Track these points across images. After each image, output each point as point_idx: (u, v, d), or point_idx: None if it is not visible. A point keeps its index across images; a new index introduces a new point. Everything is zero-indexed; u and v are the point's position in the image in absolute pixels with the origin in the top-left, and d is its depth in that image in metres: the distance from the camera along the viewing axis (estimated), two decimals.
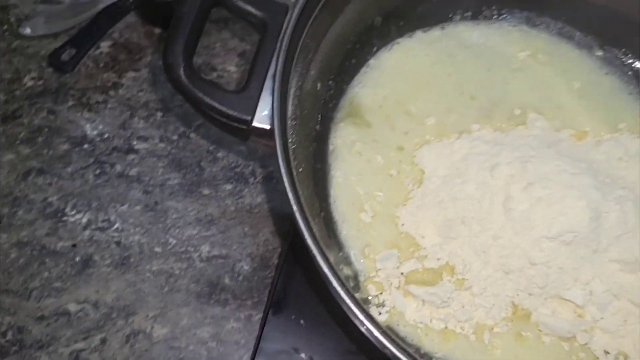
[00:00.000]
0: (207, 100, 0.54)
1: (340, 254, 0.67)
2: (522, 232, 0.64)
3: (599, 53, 0.80)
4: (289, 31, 0.56)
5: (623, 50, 0.78)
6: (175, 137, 0.91)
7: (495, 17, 0.79)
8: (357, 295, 0.65)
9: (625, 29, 0.76)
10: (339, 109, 0.72)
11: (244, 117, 0.55)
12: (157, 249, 0.85)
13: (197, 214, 0.87)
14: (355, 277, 0.67)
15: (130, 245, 0.84)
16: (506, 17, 0.80)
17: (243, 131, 0.57)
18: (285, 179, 0.50)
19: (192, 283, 0.82)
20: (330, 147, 0.70)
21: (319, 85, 0.70)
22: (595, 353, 0.66)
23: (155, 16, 0.92)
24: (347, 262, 0.67)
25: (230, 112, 0.55)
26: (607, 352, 0.65)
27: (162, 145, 0.91)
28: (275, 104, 0.53)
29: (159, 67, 0.97)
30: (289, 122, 0.58)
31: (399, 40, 0.76)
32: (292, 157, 0.58)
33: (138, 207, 0.86)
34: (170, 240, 0.85)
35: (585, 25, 0.79)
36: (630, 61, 0.79)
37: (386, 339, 0.48)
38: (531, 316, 0.65)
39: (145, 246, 0.85)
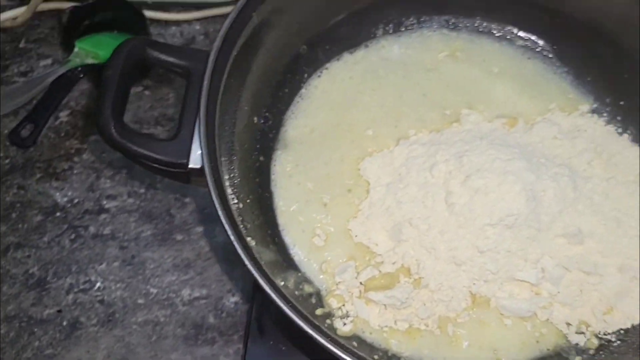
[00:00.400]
0: (142, 151, 0.58)
1: (300, 274, 0.69)
2: (466, 223, 0.66)
3: (520, 42, 0.84)
4: (207, 75, 0.60)
5: (541, 36, 0.81)
6: (142, 191, 0.95)
7: (415, 26, 0.83)
8: (320, 310, 0.67)
9: (540, 16, 0.80)
10: (277, 139, 0.76)
11: (179, 161, 0.59)
12: (140, 301, 0.87)
13: (174, 260, 0.90)
14: (318, 293, 0.69)
15: (113, 302, 0.87)
16: (426, 24, 0.84)
17: (183, 174, 0.60)
18: (220, 214, 0.53)
19: (178, 327, 0.84)
20: (272, 177, 0.73)
21: (255, 119, 0.74)
22: (558, 327, 0.68)
23: None
24: (307, 280, 0.69)
25: (166, 158, 0.58)
26: (569, 324, 0.67)
27: (130, 200, 0.94)
28: (202, 144, 0.57)
29: None
30: (223, 158, 0.61)
31: (328, 65, 0.80)
32: (229, 192, 0.61)
33: (116, 264, 0.89)
34: (152, 290, 0.88)
35: (500, 18, 0.82)
36: (549, 45, 0.82)
37: (338, 349, 0.51)
38: (490, 302, 0.68)
39: (128, 300, 0.87)
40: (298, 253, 0.71)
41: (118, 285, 0.88)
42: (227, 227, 0.53)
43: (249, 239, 0.64)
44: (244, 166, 0.71)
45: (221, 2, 1.00)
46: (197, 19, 1.05)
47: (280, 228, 0.71)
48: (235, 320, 0.84)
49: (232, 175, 0.66)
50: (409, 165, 0.72)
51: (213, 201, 0.55)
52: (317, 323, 0.57)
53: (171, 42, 1.05)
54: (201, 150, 0.56)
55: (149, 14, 1.04)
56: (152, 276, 0.89)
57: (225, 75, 0.62)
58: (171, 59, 0.62)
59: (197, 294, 0.87)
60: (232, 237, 0.53)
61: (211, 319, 0.85)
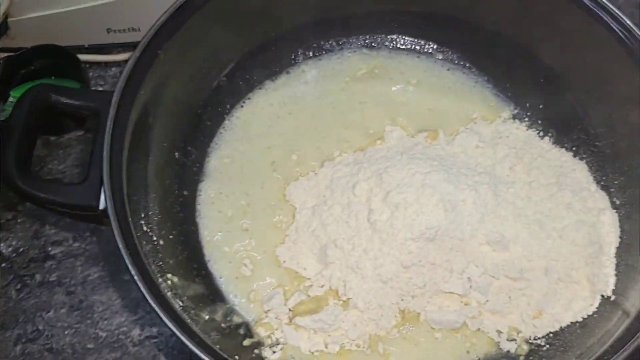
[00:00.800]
0: (50, 197, 0.58)
1: (227, 305, 0.69)
2: (388, 240, 0.66)
3: (439, 56, 0.85)
4: (111, 115, 0.60)
5: (459, 48, 0.82)
6: (87, 234, 0.94)
7: (336, 48, 0.84)
8: (248, 340, 0.67)
9: (455, 30, 0.81)
10: (201, 171, 0.76)
11: (88, 204, 0.59)
12: (90, 345, 0.86)
13: (122, 300, 0.89)
14: (246, 323, 0.69)
15: (62, 349, 0.86)
16: (346, 45, 0.85)
17: (97, 217, 0.60)
18: (125, 256, 0.53)
19: None
20: (197, 208, 0.74)
21: (176, 153, 0.74)
22: (489, 335, 0.67)
23: (47, 127, 0.96)
24: (235, 311, 0.69)
25: (74, 202, 0.58)
26: (499, 332, 0.67)
27: (76, 244, 0.93)
28: (105, 185, 0.57)
29: (59, 171, 1.01)
30: (135, 197, 0.61)
31: (250, 94, 0.81)
32: (145, 230, 0.61)
33: (64, 310, 0.88)
34: (101, 333, 0.87)
35: (418, 34, 0.83)
36: (467, 56, 0.83)
37: None
38: (420, 316, 0.67)
39: (77, 346, 0.86)
40: (225, 284, 0.70)
41: (66, 331, 0.87)
42: (132, 269, 0.53)
43: (169, 275, 0.64)
44: (166, 202, 0.71)
45: None
46: None
47: (207, 259, 0.71)
48: (186, 356, 0.83)
49: (149, 212, 0.66)
50: (333, 186, 0.72)
51: (117, 243, 0.55)
52: (239, 359, 0.57)
53: (112, 82, 1.06)
54: (104, 192, 0.56)
55: (87, 57, 1.05)
56: (101, 319, 0.88)
57: (133, 114, 0.63)
58: (77, 102, 0.63)
59: (147, 333, 0.86)
60: (136, 278, 0.53)
61: (162, 358, 0.84)
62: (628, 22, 0.66)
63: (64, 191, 0.59)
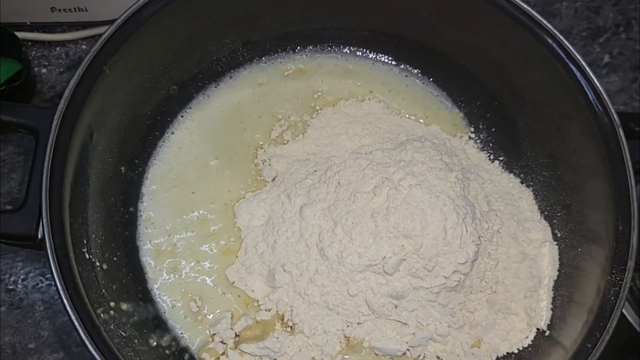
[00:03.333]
0: None
1: (172, 330, 0.69)
2: (336, 268, 0.67)
3: (396, 69, 0.84)
4: (51, 139, 0.57)
5: (420, 66, 0.82)
6: None
7: (287, 51, 0.82)
8: None
9: (415, 49, 0.80)
10: (149, 185, 0.73)
11: (25, 234, 0.56)
12: (31, 345, 0.85)
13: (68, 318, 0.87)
14: (191, 348, 0.69)
15: (1, 349, 0.84)
16: (298, 53, 0.83)
17: (36, 245, 0.58)
18: (63, 298, 0.52)
19: None
20: (138, 227, 0.72)
21: (122, 168, 0.72)
22: None
23: None
24: (180, 336, 0.69)
25: (10, 232, 0.56)
26: (439, 358, 0.69)
27: None
28: (44, 218, 0.54)
29: None
30: (81, 220, 0.59)
31: (197, 102, 0.78)
32: (87, 257, 0.59)
33: (3, 308, 0.86)
34: (42, 333, 0.85)
35: (378, 49, 0.82)
36: (427, 73, 0.83)
37: None
38: (363, 343, 0.69)
39: (17, 345, 0.85)
40: (170, 306, 0.69)
41: (6, 330, 0.85)
42: (71, 314, 0.51)
43: (112, 303, 0.63)
44: (111, 222, 0.69)
45: (108, 20, 0.95)
46: (84, 38, 1.00)
47: (150, 283, 0.69)
48: None
49: (93, 236, 0.64)
50: (283, 207, 0.71)
51: (54, 281, 0.53)
52: None
53: (56, 64, 1.00)
54: (42, 226, 0.54)
55: (29, 35, 0.98)
56: (43, 319, 0.86)
57: (76, 135, 0.60)
58: (15, 120, 0.59)
59: None
60: (72, 317, 0.51)
61: None
62: (580, 59, 0.67)
63: None
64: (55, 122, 0.57)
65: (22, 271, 0.88)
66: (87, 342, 0.52)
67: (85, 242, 0.61)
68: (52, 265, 0.53)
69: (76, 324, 0.52)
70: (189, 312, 0.70)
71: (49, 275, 0.86)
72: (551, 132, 0.73)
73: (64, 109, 0.58)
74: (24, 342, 0.84)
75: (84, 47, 1.01)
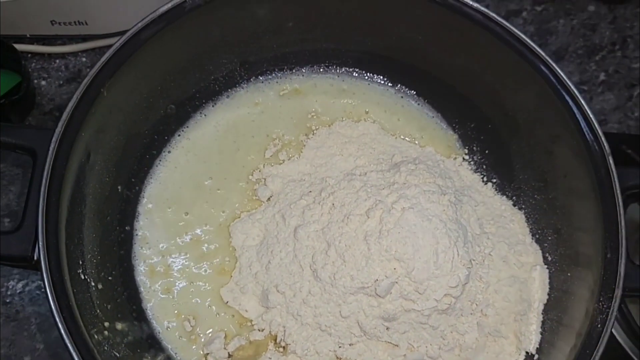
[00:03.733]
0: None
1: (165, 350, 0.70)
2: (329, 290, 0.68)
3: (392, 90, 0.85)
4: (49, 161, 0.58)
5: (412, 87, 0.83)
6: None
7: (287, 72, 0.83)
8: None
9: (409, 71, 0.81)
10: (145, 204, 0.74)
11: (22, 255, 0.57)
12: (26, 358, 0.85)
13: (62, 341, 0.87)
14: None
15: None
16: (295, 73, 0.84)
17: (32, 265, 0.59)
18: (58, 323, 0.53)
19: None
20: (134, 246, 0.73)
21: (119, 187, 0.72)
22: None
23: None
24: (174, 357, 0.69)
25: (6, 253, 0.56)
26: None
27: None
28: (40, 241, 0.55)
29: None
30: (76, 241, 0.60)
31: (194, 121, 0.79)
32: (83, 278, 0.60)
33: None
34: (38, 345, 0.86)
35: (372, 69, 0.83)
36: (421, 95, 0.84)
37: None
38: None
39: (13, 358, 0.85)
40: (164, 326, 0.70)
41: (2, 343, 0.86)
42: (62, 332, 0.52)
43: (106, 323, 0.63)
44: (107, 241, 0.69)
45: (109, 33, 0.96)
46: (84, 51, 1.01)
47: (144, 303, 0.70)
48: None
49: (89, 256, 0.65)
50: (278, 227, 0.72)
51: (49, 304, 0.54)
52: None
53: (56, 76, 1.01)
54: (38, 244, 0.55)
55: (28, 47, 0.99)
56: (39, 331, 0.87)
57: (74, 157, 0.60)
58: (12, 141, 0.60)
59: None
60: (66, 341, 0.52)
61: None
62: (571, 85, 0.68)
63: None
64: (52, 145, 0.58)
65: (18, 284, 0.89)
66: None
67: (80, 262, 0.62)
68: (47, 289, 0.54)
69: (70, 347, 0.53)
70: (182, 332, 0.70)
71: (45, 289, 0.86)
72: (542, 155, 0.74)
73: (62, 131, 0.59)
74: (20, 354, 0.85)
75: (83, 59, 1.02)
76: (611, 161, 0.64)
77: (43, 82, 1.00)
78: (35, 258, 0.57)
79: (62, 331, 0.53)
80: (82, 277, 0.62)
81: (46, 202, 0.57)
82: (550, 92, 0.69)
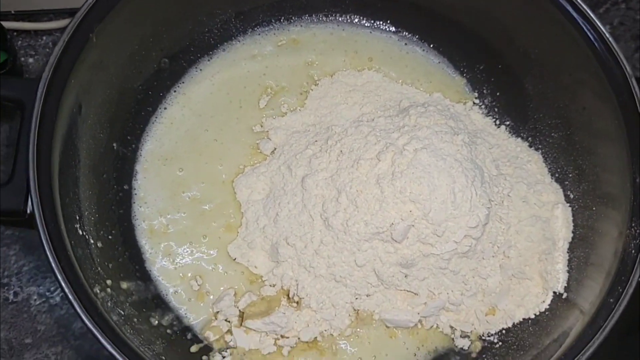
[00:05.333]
0: None
1: (173, 309, 0.66)
2: (342, 238, 0.64)
3: (397, 36, 0.81)
4: (37, 108, 0.54)
5: (418, 31, 0.79)
6: None
7: (285, 23, 0.80)
8: (196, 346, 0.64)
9: (415, 14, 0.78)
10: (142, 162, 0.71)
11: (13, 209, 0.53)
12: (28, 340, 0.81)
13: (62, 292, 0.84)
14: (193, 327, 0.66)
15: None
16: (294, 23, 0.81)
17: (25, 221, 0.55)
18: (56, 272, 0.49)
19: None
20: (133, 205, 0.69)
21: (114, 144, 0.69)
22: (444, 332, 0.67)
23: None
24: (182, 315, 0.66)
25: None
26: (453, 328, 0.67)
27: (8, 232, 0.87)
28: (32, 190, 0.51)
29: None
30: (68, 199, 0.56)
31: (190, 76, 0.75)
32: (81, 234, 0.56)
33: None
34: (39, 327, 0.82)
35: (377, 14, 0.79)
36: (427, 40, 0.80)
37: None
38: (373, 315, 0.66)
39: (13, 341, 0.81)
40: (170, 289, 0.66)
41: (1, 326, 0.82)
42: (64, 287, 0.48)
43: (108, 281, 0.59)
44: (104, 199, 0.66)
45: None
46: None
47: (147, 264, 0.66)
48: None
49: (86, 213, 0.61)
50: (284, 179, 0.69)
51: (46, 256, 0.50)
52: None
53: (43, 53, 0.97)
54: (30, 197, 0.51)
55: (14, 25, 0.96)
56: (39, 312, 0.83)
57: (64, 106, 0.57)
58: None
59: None
60: (65, 290, 0.48)
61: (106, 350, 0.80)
62: (589, 12, 0.64)
63: None
64: (40, 90, 0.54)
65: (15, 265, 0.85)
66: (82, 316, 0.49)
67: (77, 217, 0.58)
68: (42, 237, 0.50)
69: (70, 297, 0.49)
70: (190, 293, 0.67)
71: (44, 268, 0.83)
72: (559, 91, 0.71)
73: (49, 77, 0.55)
74: (20, 337, 0.81)
75: None
76: (634, 83, 0.61)
77: (30, 60, 0.97)
78: (28, 211, 0.53)
79: (61, 281, 0.49)
80: (80, 233, 0.58)
81: (37, 152, 0.53)
82: (564, 21, 0.65)
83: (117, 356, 0.49)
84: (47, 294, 0.83)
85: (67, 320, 0.81)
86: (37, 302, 0.83)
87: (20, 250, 0.85)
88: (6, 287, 0.83)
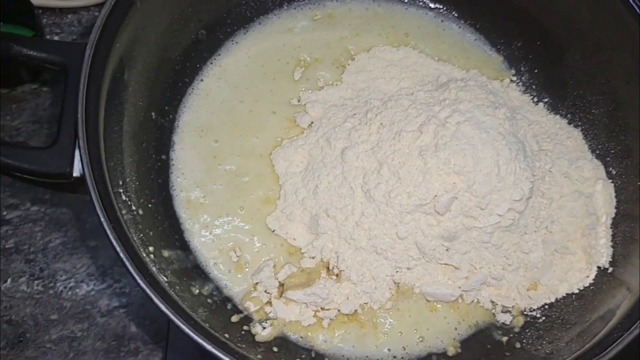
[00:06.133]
0: (13, 163, 0.51)
1: (213, 278, 0.65)
2: (384, 210, 0.63)
3: (431, 13, 0.81)
4: (84, 72, 0.53)
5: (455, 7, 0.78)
6: (47, 197, 0.87)
7: None
8: (237, 316, 0.63)
9: None
10: (180, 132, 0.70)
11: (59, 171, 0.52)
12: (53, 317, 0.81)
13: (88, 269, 0.83)
14: (234, 297, 0.65)
15: (23, 321, 0.80)
16: None
17: (70, 184, 0.54)
18: (107, 230, 0.48)
19: (97, 341, 0.79)
20: (171, 176, 0.68)
21: (153, 114, 0.68)
22: (484, 307, 0.66)
23: None
24: (223, 285, 0.65)
25: (43, 169, 0.52)
26: (494, 303, 0.66)
27: (35, 208, 0.86)
28: (82, 150, 0.50)
29: (13, 128, 0.92)
30: (112, 163, 0.55)
31: (225, 48, 0.75)
32: (124, 199, 0.55)
33: (23, 279, 0.82)
34: (65, 304, 0.82)
35: None
36: (463, 14, 0.79)
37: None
38: (414, 289, 0.65)
39: (39, 317, 0.81)
40: (210, 256, 0.66)
41: (27, 302, 0.81)
42: (116, 245, 0.48)
43: (151, 248, 0.59)
44: (144, 168, 0.65)
45: None
46: (96, 5, 0.97)
47: (186, 235, 0.66)
48: (160, 325, 0.79)
49: (128, 179, 0.60)
50: (323, 152, 0.68)
51: (97, 215, 0.49)
52: (228, 337, 0.53)
53: (69, 31, 0.97)
54: (80, 157, 0.50)
55: (40, 1, 0.95)
56: (65, 289, 0.82)
57: (108, 70, 0.56)
58: (43, 55, 0.55)
59: (116, 303, 0.81)
60: (121, 255, 0.47)
61: (133, 328, 0.79)
62: None
63: (28, 156, 0.53)
64: (88, 52, 0.53)
65: (41, 241, 0.85)
66: (134, 275, 0.48)
67: (121, 182, 0.58)
68: (93, 196, 0.50)
69: (122, 256, 0.48)
70: (230, 264, 0.66)
71: (70, 245, 0.82)
72: (601, 66, 0.70)
73: (96, 38, 0.54)
74: (46, 313, 0.80)
75: (96, 14, 0.98)
76: None
77: (56, 38, 0.96)
78: (73, 174, 0.52)
79: (113, 240, 0.48)
80: (124, 198, 0.57)
81: (85, 114, 0.52)
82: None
83: (171, 316, 0.48)
84: (74, 270, 0.82)
85: (94, 297, 0.81)
86: (63, 278, 0.82)
87: (47, 226, 0.85)
88: (32, 263, 0.82)
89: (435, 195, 0.62)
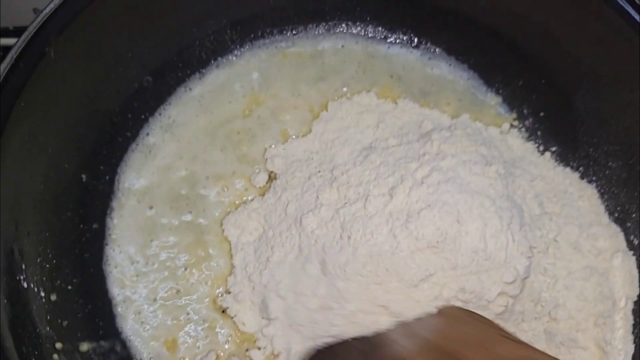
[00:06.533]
0: None
1: None
2: (343, 288, 0.52)
3: (420, 49, 0.70)
4: None
5: (443, 42, 0.68)
6: None
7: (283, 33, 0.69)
8: None
9: (440, 21, 0.66)
10: (115, 198, 0.60)
11: None
12: None
13: None
14: None
15: None
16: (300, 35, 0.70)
17: None
18: None
19: None
20: (105, 249, 0.58)
21: (83, 176, 0.59)
22: None
23: None
24: None
25: None
26: None
27: None
28: None
29: None
30: (23, 242, 0.47)
31: (176, 96, 0.65)
32: (31, 287, 0.46)
33: None
34: None
35: (395, 23, 0.68)
36: (453, 51, 0.68)
37: None
38: None
39: None
40: (142, 345, 0.56)
41: None
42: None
43: (58, 344, 0.49)
44: (65, 242, 0.56)
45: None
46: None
47: (118, 317, 0.56)
48: None
49: (39, 259, 0.51)
50: (279, 217, 0.57)
51: None
52: None
53: None
54: None
55: (12, 41, 0.88)
56: None
57: (14, 132, 0.47)
58: None
59: None
60: None
61: None
62: None
63: None
64: None
65: None
66: None
67: (23, 267, 0.48)
68: None
69: None
70: (163, 354, 0.55)
71: None
72: (618, 109, 0.57)
73: None
74: None
75: None
76: None
77: None
78: None
79: None
80: (25, 285, 0.48)
81: None
82: (623, 25, 0.52)
83: None
84: None
85: None
86: None
87: None
88: None
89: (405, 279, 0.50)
